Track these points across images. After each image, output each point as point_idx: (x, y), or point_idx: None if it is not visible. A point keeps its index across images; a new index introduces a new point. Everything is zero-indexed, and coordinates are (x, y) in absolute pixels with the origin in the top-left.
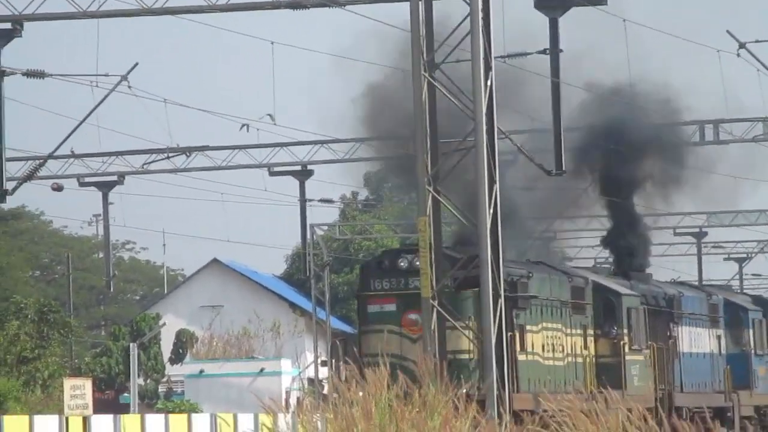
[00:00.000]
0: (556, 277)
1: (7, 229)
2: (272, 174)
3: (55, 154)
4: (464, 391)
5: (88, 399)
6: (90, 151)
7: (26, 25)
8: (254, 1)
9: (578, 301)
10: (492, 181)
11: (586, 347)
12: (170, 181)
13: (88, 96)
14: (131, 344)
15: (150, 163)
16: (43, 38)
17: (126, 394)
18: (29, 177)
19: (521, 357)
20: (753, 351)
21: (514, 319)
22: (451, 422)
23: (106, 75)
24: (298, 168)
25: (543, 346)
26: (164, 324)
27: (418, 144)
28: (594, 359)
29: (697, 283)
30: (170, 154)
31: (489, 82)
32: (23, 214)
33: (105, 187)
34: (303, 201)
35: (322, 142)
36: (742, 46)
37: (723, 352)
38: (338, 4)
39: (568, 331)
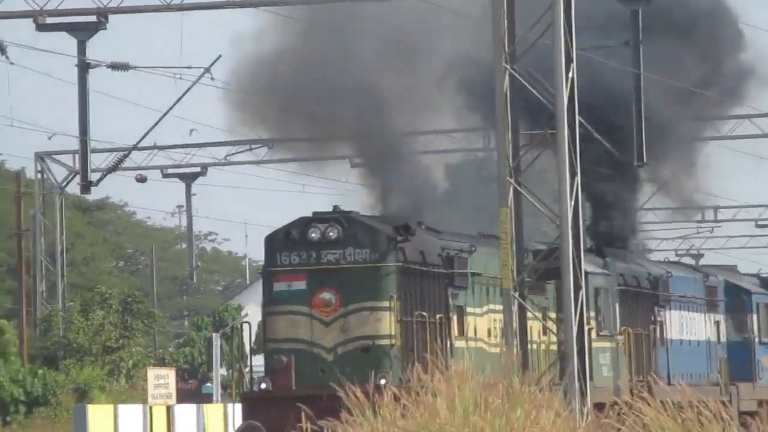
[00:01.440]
0: (495, 247)
1: (92, 220)
2: (353, 166)
3: (139, 145)
4: (385, 381)
5: (172, 388)
6: (173, 143)
7: (111, 18)
8: None
9: (536, 281)
10: (573, 173)
11: (545, 333)
12: (252, 172)
13: (171, 88)
14: (213, 334)
15: (233, 154)
16: (127, 31)
17: (208, 384)
18: (113, 168)
19: (459, 344)
20: (757, 339)
21: (450, 300)
22: (534, 413)
23: (189, 67)
24: None
25: (489, 331)
26: (246, 314)
27: (500, 136)
28: (557, 346)
29: (694, 264)
30: (253, 146)
31: (570, 74)
32: (108, 205)
33: (188, 178)
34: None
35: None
36: None
37: (722, 339)
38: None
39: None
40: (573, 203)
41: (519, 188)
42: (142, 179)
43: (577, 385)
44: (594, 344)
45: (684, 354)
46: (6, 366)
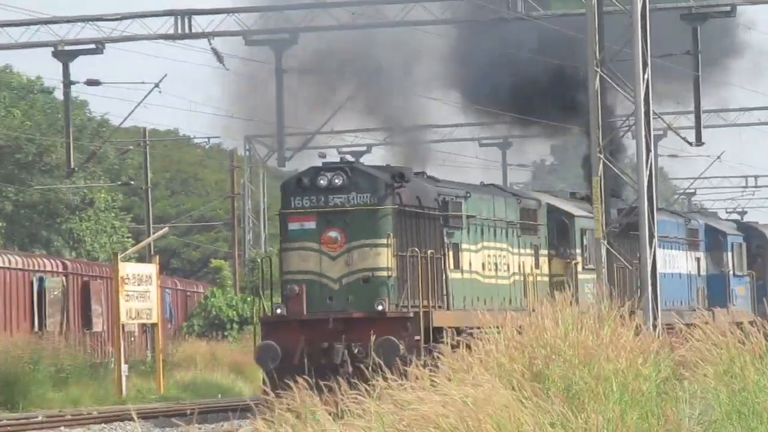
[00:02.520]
0: (502, 198)
1: None
2: (482, 145)
3: (321, 130)
4: (382, 308)
5: None
6: (346, 128)
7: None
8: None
9: (529, 222)
10: (648, 150)
11: (537, 266)
12: None
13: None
14: None
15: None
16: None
17: None
18: (301, 147)
19: (455, 275)
20: (732, 272)
21: (446, 238)
22: (618, 330)
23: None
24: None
25: (483, 265)
26: None
27: (593, 122)
28: (549, 278)
29: (678, 210)
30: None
31: (646, 76)
32: None
33: (357, 155)
34: (504, 166)
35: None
36: None
37: (702, 273)
38: (533, 18)
39: (516, 250)
40: (648, 173)
41: (607, 162)
42: (322, 155)
43: (650, 308)
44: (580, 276)
45: (667, 285)
46: (224, 294)
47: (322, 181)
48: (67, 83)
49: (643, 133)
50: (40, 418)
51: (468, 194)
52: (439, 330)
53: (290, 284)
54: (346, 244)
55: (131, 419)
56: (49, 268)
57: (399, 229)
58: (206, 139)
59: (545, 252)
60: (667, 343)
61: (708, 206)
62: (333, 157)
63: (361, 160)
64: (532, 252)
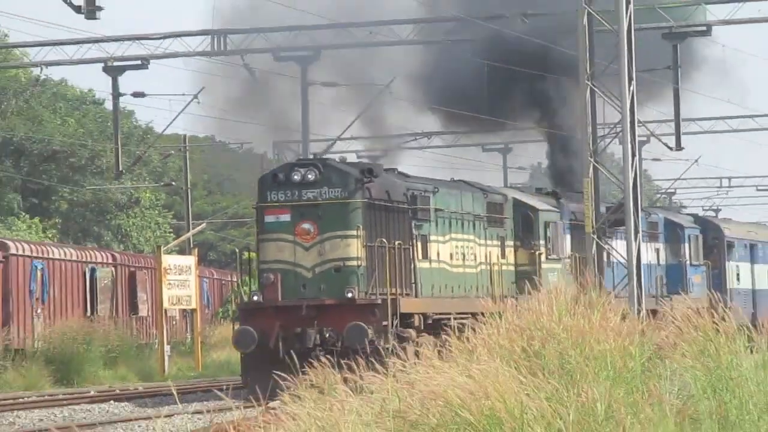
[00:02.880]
0: (469, 193)
1: None
2: (485, 150)
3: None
4: (351, 295)
5: None
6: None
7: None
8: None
9: (495, 216)
10: (633, 154)
11: (504, 256)
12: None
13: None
14: None
15: (407, 142)
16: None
17: None
18: (324, 152)
19: (423, 265)
20: (689, 262)
21: (414, 230)
22: (607, 315)
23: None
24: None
25: (451, 255)
26: None
27: (583, 129)
28: (514, 268)
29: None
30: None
31: (632, 89)
32: None
33: (374, 160)
34: (505, 169)
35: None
36: None
37: (662, 263)
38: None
39: (483, 242)
40: (633, 175)
41: (596, 165)
42: (342, 160)
43: (635, 295)
44: (543, 265)
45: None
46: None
47: (296, 177)
48: (116, 95)
49: (629, 139)
50: (91, 393)
51: (436, 189)
52: (406, 316)
53: (266, 273)
54: (318, 235)
55: (171, 394)
56: (100, 260)
57: (368, 221)
58: (239, 145)
59: (511, 243)
60: (651, 327)
61: (687, 204)
62: (352, 159)
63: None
64: (499, 243)
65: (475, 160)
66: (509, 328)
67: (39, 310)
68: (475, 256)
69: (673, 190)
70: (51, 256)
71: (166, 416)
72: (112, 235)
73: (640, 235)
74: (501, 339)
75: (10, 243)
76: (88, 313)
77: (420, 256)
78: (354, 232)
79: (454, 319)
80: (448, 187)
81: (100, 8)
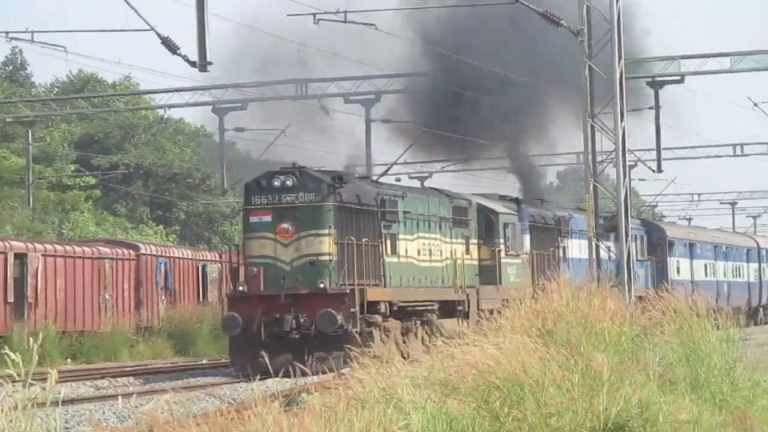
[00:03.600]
0: (436, 198)
1: None
2: (509, 172)
3: (397, 162)
4: (323, 286)
5: None
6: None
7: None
8: None
9: (460, 218)
10: (624, 176)
11: (468, 252)
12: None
13: None
14: None
15: (447, 166)
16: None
17: None
18: (383, 174)
19: (392, 259)
20: (635, 258)
21: (383, 230)
22: (606, 301)
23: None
24: None
25: (419, 251)
26: None
27: (586, 156)
28: (478, 262)
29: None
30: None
31: (623, 124)
32: None
33: (422, 180)
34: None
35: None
36: None
37: (611, 258)
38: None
39: (449, 240)
40: (624, 192)
41: (596, 184)
42: (398, 180)
43: (626, 285)
44: (503, 260)
45: (581, 267)
46: None
47: (276, 183)
48: (222, 130)
49: (621, 164)
50: (204, 361)
51: (405, 195)
52: (373, 303)
53: (251, 266)
54: (295, 234)
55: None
56: (209, 258)
57: (339, 221)
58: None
59: (475, 241)
60: (640, 309)
61: (666, 215)
62: (405, 181)
63: (425, 183)
64: (464, 241)
65: (494, 178)
66: (528, 311)
67: (163, 297)
68: (441, 252)
69: (656, 204)
70: (172, 255)
71: (260, 379)
72: (219, 239)
73: (630, 237)
74: (522, 320)
75: (141, 245)
76: (200, 300)
77: (389, 252)
78: (326, 231)
79: (420, 306)
80: (417, 193)
81: (210, 63)
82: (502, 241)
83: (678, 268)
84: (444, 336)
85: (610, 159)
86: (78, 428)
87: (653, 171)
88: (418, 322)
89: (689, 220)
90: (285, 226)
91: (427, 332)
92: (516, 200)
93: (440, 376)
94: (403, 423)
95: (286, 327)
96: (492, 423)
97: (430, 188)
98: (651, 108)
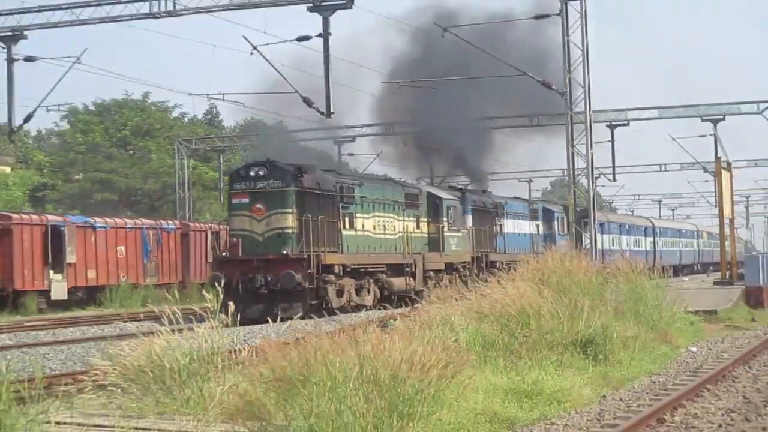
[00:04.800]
0: (391, 187)
1: None
2: (521, 181)
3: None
4: (286, 252)
5: None
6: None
7: None
8: None
9: (412, 201)
10: (593, 183)
11: (419, 228)
12: None
13: None
14: None
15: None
16: None
17: None
18: (442, 182)
19: (349, 233)
20: (557, 232)
21: (342, 210)
22: (581, 261)
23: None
24: None
25: (374, 227)
26: None
27: (569, 172)
28: (427, 235)
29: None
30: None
31: (591, 151)
32: None
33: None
34: (529, 192)
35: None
36: None
37: (540, 233)
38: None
39: (401, 218)
40: (593, 194)
41: (575, 189)
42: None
43: (593, 251)
44: (446, 234)
45: (514, 239)
46: None
47: (251, 173)
48: (339, 155)
49: (590, 176)
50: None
51: (362, 183)
52: (329, 266)
53: (232, 237)
54: (267, 212)
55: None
56: None
57: (300, 202)
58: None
59: (425, 219)
60: (602, 266)
61: (618, 208)
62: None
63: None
64: (415, 219)
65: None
66: (531, 268)
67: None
68: (395, 228)
69: (612, 201)
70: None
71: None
72: None
73: (596, 224)
74: (528, 273)
75: (189, 224)
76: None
77: (347, 227)
78: (289, 210)
79: (372, 268)
80: (374, 182)
81: (332, 112)
82: (445, 219)
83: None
84: (393, 290)
85: (584, 173)
86: (252, 341)
87: (610, 180)
88: (371, 280)
89: (632, 211)
90: (258, 206)
91: (377, 287)
92: (461, 190)
93: (477, 309)
94: (454, 338)
95: (257, 284)
96: (510, 338)
97: (388, 178)
98: (609, 141)
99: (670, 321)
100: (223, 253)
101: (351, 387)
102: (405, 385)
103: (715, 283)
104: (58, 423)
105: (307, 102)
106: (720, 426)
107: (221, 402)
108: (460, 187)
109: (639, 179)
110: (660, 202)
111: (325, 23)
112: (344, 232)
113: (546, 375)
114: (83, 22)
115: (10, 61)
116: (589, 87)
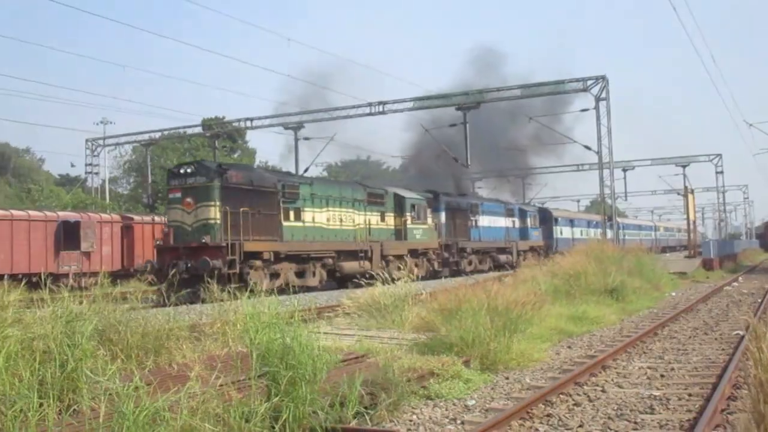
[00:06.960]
0: (350, 187)
1: None
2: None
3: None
4: (205, 241)
5: None
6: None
7: None
8: None
9: (375, 200)
10: (614, 203)
11: (384, 221)
12: None
13: None
14: None
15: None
16: None
17: None
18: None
19: (295, 224)
20: (530, 227)
21: (283, 204)
22: (609, 245)
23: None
24: None
25: (328, 219)
26: None
27: (601, 196)
28: (393, 227)
29: (506, 200)
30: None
31: (612, 184)
32: None
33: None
34: (524, 191)
35: None
36: None
37: (516, 227)
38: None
39: (362, 213)
40: (614, 206)
41: (604, 205)
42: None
43: (617, 240)
44: (409, 226)
45: (488, 231)
46: None
47: (182, 171)
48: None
49: (612, 198)
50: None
51: (312, 183)
52: (256, 253)
53: (167, 227)
54: (195, 205)
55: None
56: None
57: (225, 196)
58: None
59: (391, 214)
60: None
61: (629, 216)
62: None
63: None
64: (379, 214)
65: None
66: (578, 250)
67: None
68: (354, 220)
69: (624, 211)
70: None
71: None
72: None
73: (537, 214)
74: (579, 253)
75: None
76: None
77: (293, 219)
78: (213, 203)
79: (317, 254)
80: (327, 182)
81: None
82: (408, 214)
83: (561, 232)
84: (344, 272)
85: (608, 196)
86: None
87: (624, 200)
88: (318, 264)
89: (636, 216)
90: (189, 200)
91: (325, 270)
92: (434, 193)
93: (552, 271)
94: (538, 289)
95: (181, 268)
96: (569, 287)
97: (352, 181)
98: (622, 178)
99: (660, 278)
100: (158, 242)
101: (482, 314)
102: (512, 313)
103: (686, 257)
104: (325, 333)
105: (455, 158)
106: (690, 336)
107: (411, 322)
108: (434, 191)
109: (640, 199)
110: (653, 211)
111: (464, 116)
112: (285, 224)
113: (589, 308)
114: (333, 118)
115: (296, 139)
116: (611, 149)
